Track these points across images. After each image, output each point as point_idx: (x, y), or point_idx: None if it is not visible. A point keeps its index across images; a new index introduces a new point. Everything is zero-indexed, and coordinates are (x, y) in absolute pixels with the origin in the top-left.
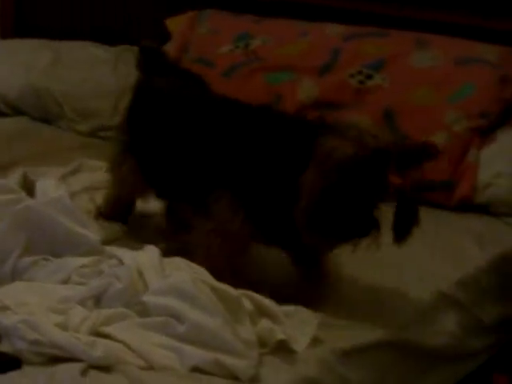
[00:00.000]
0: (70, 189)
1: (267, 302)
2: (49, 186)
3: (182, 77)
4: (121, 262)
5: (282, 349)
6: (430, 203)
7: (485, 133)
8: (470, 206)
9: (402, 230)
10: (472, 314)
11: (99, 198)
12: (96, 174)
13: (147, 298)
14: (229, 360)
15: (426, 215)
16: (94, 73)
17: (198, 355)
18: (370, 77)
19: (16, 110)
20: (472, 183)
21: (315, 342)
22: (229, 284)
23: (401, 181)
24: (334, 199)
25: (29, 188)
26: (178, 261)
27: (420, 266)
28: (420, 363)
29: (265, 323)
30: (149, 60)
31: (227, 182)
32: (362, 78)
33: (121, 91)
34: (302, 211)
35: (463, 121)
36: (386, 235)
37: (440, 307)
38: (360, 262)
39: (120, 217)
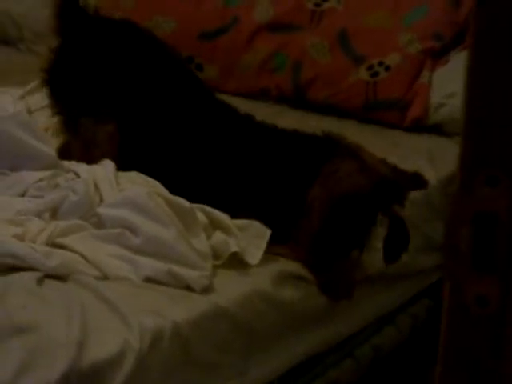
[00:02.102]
0: (28, 107)
1: (221, 216)
2: (6, 102)
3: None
4: (77, 176)
5: (236, 261)
6: (383, 123)
7: (438, 55)
8: (422, 127)
9: (392, 253)
10: (423, 232)
11: None
12: None
13: (102, 211)
14: (182, 270)
15: (380, 135)
16: None
17: (152, 266)
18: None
19: None
20: (424, 104)
21: (268, 258)
22: None
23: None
24: (338, 224)
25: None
26: (134, 175)
27: None
28: (373, 282)
29: (219, 236)
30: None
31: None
32: (318, 1)
33: None
34: (308, 232)
35: (416, 43)
36: None
37: None
38: None
39: None
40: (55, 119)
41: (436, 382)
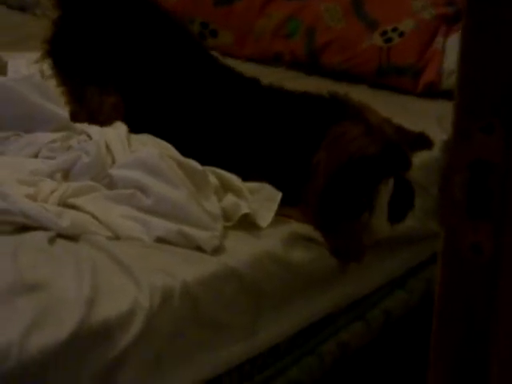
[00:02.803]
0: (42, 71)
1: (232, 178)
2: (20, 65)
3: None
4: (90, 138)
5: (247, 223)
6: (396, 89)
7: (452, 21)
8: (436, 93)
9: (398, 213)
10: (433, 195)
11: None
12: None
13: (114, 172)
14: (193, 231)
15: (391, 100)
16: None
17: (163, 226)
18: None
19: None
20: (438, 69)
21: (279, 221)
22: None
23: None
24: (344, 185)
25: (1, 69)
26: (146, 137)
27: None
28: (384, 246)
29: (230, 198)
30: None
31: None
32: None
33: None
34: (314, 192)
35: (430, 8)
36: None
37: None
38: None
39: None
40: (60, 89)
41: (432, 332)
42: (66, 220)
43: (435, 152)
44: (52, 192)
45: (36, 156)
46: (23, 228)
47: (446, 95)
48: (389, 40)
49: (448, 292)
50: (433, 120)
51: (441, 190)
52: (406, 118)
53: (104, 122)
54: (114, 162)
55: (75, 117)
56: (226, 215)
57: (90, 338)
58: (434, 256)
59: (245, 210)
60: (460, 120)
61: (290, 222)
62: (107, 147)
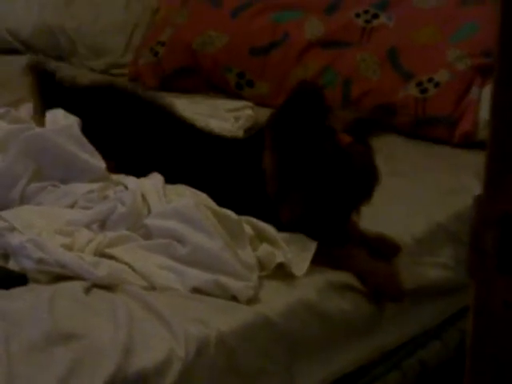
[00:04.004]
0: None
1: (267, 228)
2: (58, 115)
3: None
4: (126, 188)
5: (282, 273)
6: (432, 139)
7: (487, 72)
8: (472, 143)
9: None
10: (467, 246)
11: None
12: None
13: (150, 221)
14: (228, 281)
15: (429, 151)
16: (107, 10)
17: (199, 276)
18: (376, 16)
19: (29, 48)
20: (474, 119)
21: (315, 270)
22: None
23: (351, 139)
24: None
25: (39, 118)
26: (181, 187)
27: (419, 199)
28: (418, 295)
29: (265, 247)
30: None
31: None
32: (368, 18)
33: (133, 29)
34: (270, 191)
35: (466, 59)
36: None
37: (436, 239)
38: None
39: None
40: None
41: None
42: (103, 270)
43: (468, 201)
44: (88, 242)
45: (73, 206)
46: (60, 277)
47: (482, 145)
48: (424, 91)
49: (479, 345)
50: (471, 171)
51: (471, 244)
52: (444, 170)
53: None
54: (149, 211)
55: None
56: (261, 264)
57: None
58: (464, 309)
59: (280, 259)
60: (492, 171)
61: (325, 270)
62: (143, 197)
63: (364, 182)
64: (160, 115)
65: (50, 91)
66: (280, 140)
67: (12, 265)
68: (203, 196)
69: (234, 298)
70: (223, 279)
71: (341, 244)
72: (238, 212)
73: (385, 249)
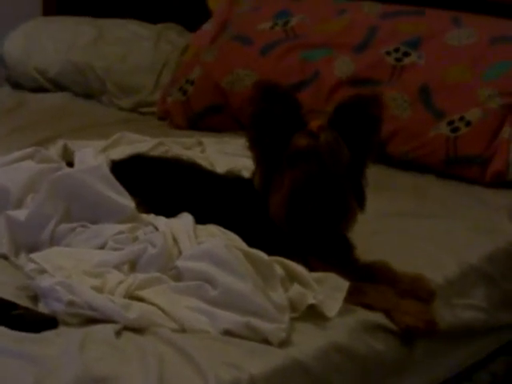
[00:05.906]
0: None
1: (298, 268)
2: (88, 155)
3: None
4: (156, 229)
5: (313, 314)
6: (464, 179)
7: None
8: (503, 183)
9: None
10: (501, 287)
11: None
12: (136, 146)
13: (181, 263)
14: (260, 324)
15: (460, 190)
16: (136, 49)
17: (230, 319)
18: (406, 54)
19: (57, 86)
20: (505, 159)
21: (346, 310)
22: None
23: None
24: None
25: (69, 158)
26: (212, 228)
27: (451, 239)
28: (450, 337)
29: (296, 288)
30: None
31: None
32: (399, 56)
33: (162, 68)
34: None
35: (497, 98)
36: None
37: (469, 280)
38: (391, 233)
39: None
40: None
41: None
42: (133, 312)
43: (500, 242)
44: (119, 283)
45: (102, 247)
46: (90, 320)
47: None
48: (456, 129)
49: None
50: (502, 211)
51: None
52: (476, 210)
53: None
54: (180, 253)
55: None
56: (293, 306)
57: None
58: (501, 349)
59: (311, 300)
60: None
61: (356, 310)
62: (174, 238)
63: (330, 164)
64: (184, 164)
65: None
66: (257, 137)
67: (42, 307)
68: (234, 236)
69: (266, 341)
70: (255, 321)
71: (342, 254)
72: (265, 250)
73: (421, 292)
